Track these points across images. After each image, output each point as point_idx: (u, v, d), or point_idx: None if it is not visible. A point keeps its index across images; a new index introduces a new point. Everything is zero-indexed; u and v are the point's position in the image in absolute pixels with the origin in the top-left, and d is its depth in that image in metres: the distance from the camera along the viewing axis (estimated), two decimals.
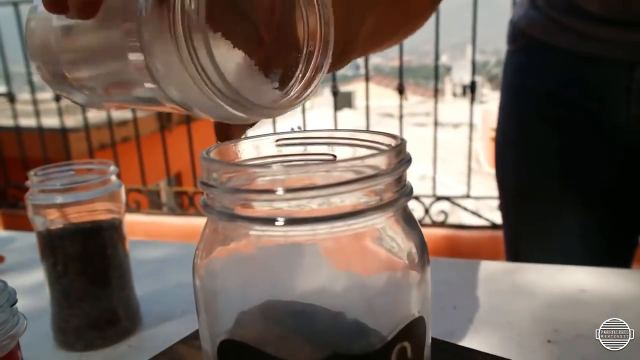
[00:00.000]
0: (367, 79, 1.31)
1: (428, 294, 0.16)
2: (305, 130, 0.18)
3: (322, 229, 0.14)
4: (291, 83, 0.17)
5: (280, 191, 0.13)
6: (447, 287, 0.33)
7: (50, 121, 1.56)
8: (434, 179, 1.23)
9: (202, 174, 0.15)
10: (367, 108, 1.24)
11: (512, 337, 0.27)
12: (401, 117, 1.20)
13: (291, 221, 0.13)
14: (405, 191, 0.15)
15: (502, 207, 0.49)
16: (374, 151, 0.16)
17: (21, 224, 1.25)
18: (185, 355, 0.25)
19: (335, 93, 1.26)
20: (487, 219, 1.16)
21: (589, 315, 0.28)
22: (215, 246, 0.16)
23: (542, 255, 0.41)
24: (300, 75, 0.17)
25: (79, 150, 1.55)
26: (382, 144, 0.17)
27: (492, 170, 0.49)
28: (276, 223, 0.13)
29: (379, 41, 0.26)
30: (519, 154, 0.45)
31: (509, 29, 0.46)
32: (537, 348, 0.26)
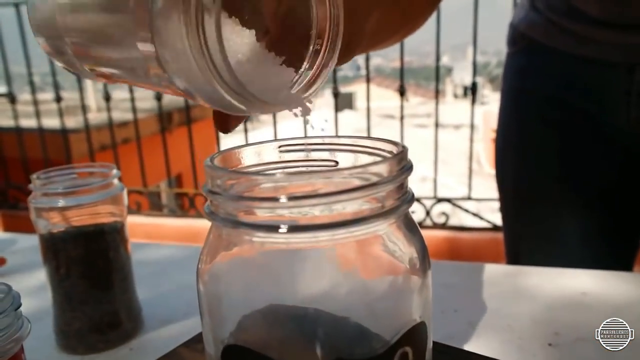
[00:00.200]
0: (368, 80, 1.31)
1: (429, 299, 0.16)
2: (307, 137, 0.18)
3: (324, 235, 0.14)
4: (295, 79, 0.17)
5: (283, 199, 0.13)
6: (448, 290, 0.33)
7: (51, 122, 1.56)
8: (435, 181, 1.23)
9: (206, 180, 0.16)
10: (368, 109, 1.24)
11: (513, 340, 0.27)
12: (402, 118, 1.20)
13: (294, 228, 0.14)
14: (406, 198, 0.15)
15: (503, 209, 0.49)
16: (376, 158, 0.17)
17: (22, 225, 1.25)
18: (188, 358, 0.25)
19: (336, 94, 1.27)
20: (488, 221, 1.16)
21: (590, 319, 0.28)
22: (219, 251, 0.16)
23: (542, 257, 0.41)
24: (305, 71, 0.17)
25: (79, 151, 1.55)
26: (384, 150, 0.17)
27: (493, 172, 0.49)
28: (279, 230, 0.14)
29: (381, 39, 0.26)
30: (519, 157, 0.45)
31: (509, 32, 0.46)
32: (538, 351, 0.26)
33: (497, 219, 1.12)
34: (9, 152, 1.53)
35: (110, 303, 0.29)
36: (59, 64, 0.19)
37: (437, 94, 1.25)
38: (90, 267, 0.28)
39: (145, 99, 1.80)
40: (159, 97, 1.40)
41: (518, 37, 0.44)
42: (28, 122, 1.55)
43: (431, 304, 0.17)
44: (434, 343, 0.18)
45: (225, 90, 0.14)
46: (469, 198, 1.22)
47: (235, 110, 0.15)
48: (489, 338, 0.28)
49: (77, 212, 0.28)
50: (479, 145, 5.27)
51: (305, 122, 0.17)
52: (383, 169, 0.15)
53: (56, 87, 1.48)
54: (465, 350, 0.25)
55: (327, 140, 0.18)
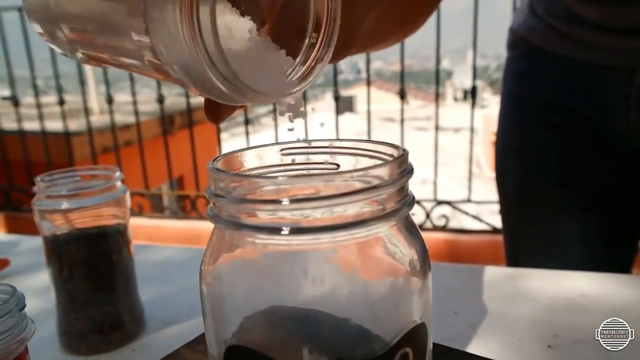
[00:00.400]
0: (368, 83, 1.32)
1: (429, 300, 0.17)
2: (308, 140, 0.18)
3: (325, 238, 0.14)
4: (289, 72, 0.17)
5: (285, 201, 0.14)
6: (448, 292, 0.33)
7: (54, 125, 1.57)
8: (435, 183, 1.23)
9: (209, 183, 0.16)
10: (369, 112, 1.25)
11: (513, 342, 0.27)
12: (402, 121, 1.21)
13: (296, 230, 0.14)
14: (407, 201, 0.16)
15: (503, 212, 0.49)
16: (377, 161, 0.17)
17: (25, 227, 1.25)
18: (190, 358, 0.26)
19: (336, 98, 1.27)
20: (487, 223, 1.16)
21: (589, 320, 0.28)
22: (222, 253, 0.16)
23: (542, 260, 0.41)
24: (299, 64, 0.17)
25: (82, 153, 1.56)
26: (384, 153, 0.17)
27: (493, 175, 0.49)
28: (281, 232, 0.14)
29: (378, 39, 0.26)
30: (519, 160, 0.45)
31: (508, 36, 0.46)
32: (537, 353, 0.26)
33: (497, 222, 1.12)
34: (13, 155, 1.54)
35: (113, 304, 0.29)
36: (53, 48, 0.18)
37: (437, 97, 1.26)
38: (93, 269, 0.29)
39: (147, 102, 1.81)
40: (161, 101, 1.40)
41: (518, 42, 0.44)
42: (31, 125, 1.56)
43: (431, 306, 0.17)
44: (434, 344, 0.18)
45: (217, 78, 0.14)
46: (469, 201, 1.22)
47: (227, 100, 0.15)
48: (489, 340, 0.28)
49: (81, 215, 0.28)
50: (478, 148, 5.27)
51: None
52: (384, 172, 0.15)
53: (59, 90, 1.49)
54: (465, 352, 0.25)
55: (328, 144, 0.18)
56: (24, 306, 0.20)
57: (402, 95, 1.21)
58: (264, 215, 0.14)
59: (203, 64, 0.13)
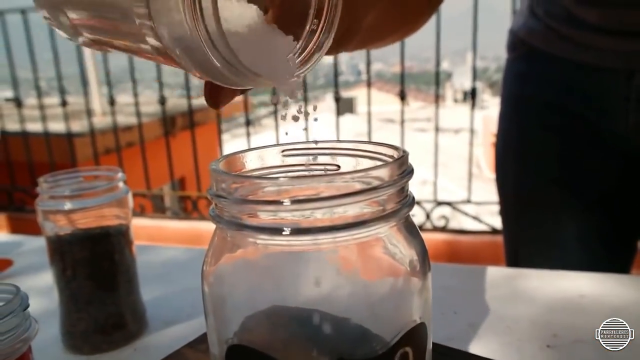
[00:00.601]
0: (369, 84, 1.32)
1: (429, 300, 0.17)
2: (309, 141, 0.18)
3: (326, 238, 0.14)
4: (289, 57, 0.17)
5: (286, 202, 0.14)
6: (447, 292, 0.34)
7: (57, 126, 1.58)
8: (435, 184, 1.23)
9: (211, 184, 0.16)
10: (369, 114, 1.25)
11: (512, 342, 0.28)
12: (402, 122, 1.21)
13: (297, 231, 0.14)
14: (407, 201, 0.16)
15: (503, 213, 0.49)
16: (377, 162, 0.17)
17: (28, 227, 1.26)
18: (192, 358, 0.26)
19: (337, 99, 1.28)
20: (487, 224, 1.17)
21: (588, 321, 0.28)
22: (224, 253, 0.16)
23: (541, 261, 0.41)
24: (299, 51, 0.17)
25: (84, 154, 1.57)
26: (384, 155, 0.17)
27: (493, 176, 0.49)
28: (282, 232, 0.14)
29: (378, 36, 0.26)
30: (519, 161, 0.45)
31: (508, 38, 0.46)
32: (537, 353, 0.26)
33: (496, 222, 1.12)
34: (16, 156, 1.54)
35: (115, 304, 0.29)
36: (58, 32, 0.19)
37: (437, 98, 1.26)
38: (96, 269, 0.29)
39: (149, 103, 1.82)
40: (162, 102, 1.41)
41: (518, 43, 0.44)
42: (34, 126, 1.57)
43: (431, 306, 0.17)
44: (434, 344, 0.18)
45: (217, 59, 0.14)
46: (469, 201, 1.22)
47: (228, 82, 0.15)
48: (489, 340, 0.28)
49: (83, 215, 0.28)
50: (478, 149, 5.26)
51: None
52: (384, 173, 0.15)
53: (62, 91, 1.50)
54: (464, 352, 0.25)
55: (328, 145, 0.18)
56: (28, 306, 0.20)
57: (403, 96, 1.21)
58: (265, 216, 0.15)
59: (204, 46, 0.14)
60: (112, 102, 1.46)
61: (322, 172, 0.18)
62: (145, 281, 0.32)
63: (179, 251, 0.46)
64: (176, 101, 1.95)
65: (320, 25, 0.17)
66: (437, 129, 1.23)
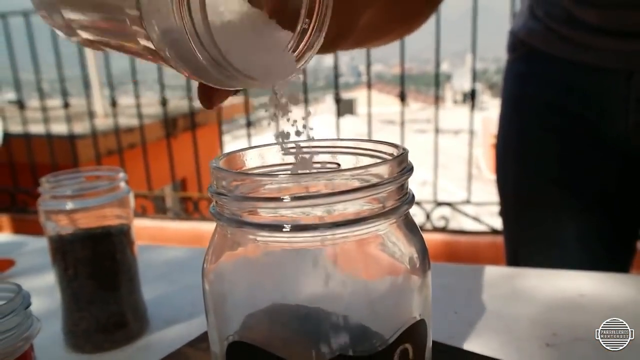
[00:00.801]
0: (369, 86, 1.32)
1: (429, 297, 0.17)
2: (310, 140, 0.18)
3: (326, 235, 0.14)
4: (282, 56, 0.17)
5: (286, 199, 0.14)
6: (448, 291, 0.34)
7: (59, 128, 1.59)
8: (434, 185, 1.23)
9: (211, 182, 0.16)
10: (369, 115, 1.26)
11: (512, 340, 0.28)
12: (402, 123, 1.21)
13: (297, 228, 0.14)
14: (407, 199, 0.16)
15: (503, 213, 0.49)
16: (377, 160, 0.17)
17: (30, 228, 1.26)
18: (192, 357, 0.26)
19: (337, 100, 1.28)
20: (487, 225, 1.17)
21: (588, 319, 0.28)
22: (224, 251, 0.16)
23: (541, 260, 0.41)
24: (290, 50, 0.17)
25: (86, 156, 1.57)
26: (384, 153, 0.17)
27: (493, 176, 0.49)
28: (282, 229, 0.14)
29: (375, 35, 0.26)
30: (519, 162, 0.46)
31: (508, 39, 0.46)
32: (536, 351, 0.27)
33: (496, 223, 1.12)
34: (18, 157, 1.55)
35: (117, 303, 0.30)
36: (54, 30, 0.19)
37: (437, 100, 1.27)
38: (98, 269, 0.29)
39: (150, 105, 1.83)
40: (164, 103, 1.42)
41: (518, 44, 0.45)
42: (36, 128, 1.58)
43: (431, 303, 0.17)
44: (434, 342, 0.18)
45: (206, 61, 0.14)
46: (468, 202, 1.22)
47: (219, 84, 0.15)
48: (488, 338, 0.28)
49: (85, 215, 0.28)
50: (478, 150, 5.26)
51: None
52: (384, 170, 0.15)
53: (64, 93, 1.51)
54: (464, 350, 0.25)
55: (329, 143, 0.18)
56: (29, 304, 0.20)
57: (403, 97, 1.21)
58: (265, 213, 0.15)
59: (192, 45, 0.14)
60: (113, 103, 1.46)
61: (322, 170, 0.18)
62: (147, 280, 0.32)
63: (180, 251, 0.46)
64: (177, 103, 1.95)
65: (312, 24, 0.17)
66: (437, 130, 1.23)
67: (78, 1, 0.17)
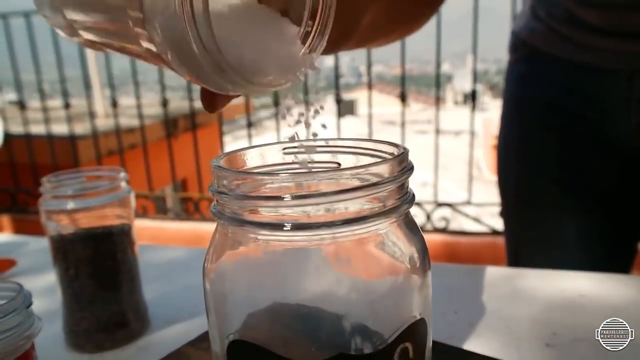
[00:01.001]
0: (369, 86, 1.32)
1: (429, 296, 0.17)
2: (311, 139, 0.18)
3: (327, 234, 0.14)
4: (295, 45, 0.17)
5: (287, 197, 0.14)
6: (448, 292, 0.34)
7: (60, 128, 1.59)
8: (435, 186, 1.23)
9: (212, 181, 0.16)
10: (370, 116, 1.26)
11: (512, 341, 0.28)
12: (403, 124, 1.21)
13: (297, 226, 0.14)
14: (407, 198, 0.16)
15: (504, 214, 0.49)
16: (377, 159, 0.17)
17: (31, 228, 1.26)
18: (193, 356, 0.26)
19: (338, 101, 1.28)
20: (487, 225, 1.17)
21: (588, 320, 0.28)
22: (225, 250, 0.16)
23: (542, 261, 0.41)
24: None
25: (87, 156, 1.58)
26: (385, 152, 0.17)
27: (493, 177, 0.49)
28: (283, 228, 0.14)
29: (377, 35, 0.26)
30: (520, 162, 0.46)
31: (510, 39, 0.46)
32: (536, 351, 0.27)
33: (496, 224, 1.12)
34: (19, 158, 1.55)
35: (118, 303, 0.30)
36: (56, 31, 0.19)
37: (438, 100, 1.27)
38: (99, 268, 0.29)
39: (151, 105, 1.83)
40: (165, 104, 1.42)
41: (519, 45, 0.45)
42: (37, 129, 1.58)
43: (431, 302, 0.17)
44: (434, 342, 0.18)
45: (209, 67, 0.14)
46: (469, 203, 1.22)
47: (218, 88, 0.16)
48: (489, 338, 0.28)
49: (86, 215, 0.28)
50: (478, 151, 5.27)
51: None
52: (384, 169, 0.15)
53: (65, 94, 1.51)
54: (465, 350, 0.25)
55: (329, 143, 0.18)
56: (31, 303, 0.20)
57: (403, 98, 1.22)
58: (266, 212, 0.15)
59: (195, 52, 0.14)
60: (114, 104, 1.47)
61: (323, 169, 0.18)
62: (147, 280, 0.32)
63: (181, 251, 0.46)
64: (178, 103, 1.96)
65: (314, 27, 0.17)
66: (437, 131, 1.23)
67: (81, 2, 0.17)
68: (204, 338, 0.27)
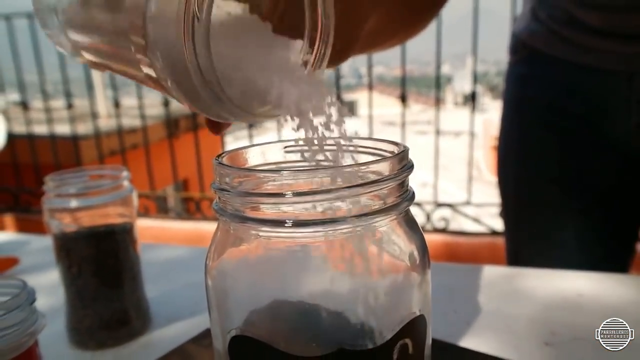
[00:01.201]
0: (370, 87, 1.33)
1: (428, 293, 0.17)
2: (310, 138, 0.19)
3: (327, 231, 0.15)
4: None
5: (288, 194, 0.14)
6: (448, 291, 0.34)
7: (62, 128, 1.59)
8: (435, 186, 1.23)
9: (215, 178, 0.16)
10: (370, 116, 1.26)
11: (511, 340, 0.28)
12: (403, 125, 1.21)
13: (298, 223, 0.14)
14: (407, 196, 0.16)
15: (504, 214, 0.49)
16: (378, 158, 0.17)
17: (33, 227, 1.27)
18: (194, 353, 0.26)
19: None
20: (487, 226, 1.17)
21: (586, 319, 0.29)
22: (227, 247, 0.17)
23: (541, 261, 0.41)
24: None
25: (89, 156, 1.58)
26: (385, 150, 0.17)
27: (493, 178, 0.49)
28: (284, 225, 0.14)
29: (379, 40, 0.26)
30: (520, 163, 0.46)
31: (510, 41, 0.46)
32: (535, 350, 0.27)
33: (496, 224, 1.12)
34: (22, 158, 1.56)
35: (120, 301, 0.30)
36: (59, 50, 0.19)
37: (438, 101, 1.27)
38: (101, 266, 0.29)
39: (153, 105, 1.84)
40: (166, 104, 1.42)
41: (520, 46, 0.45)
42: (40, 129, 1.58)
43: (430, 299, 0.17)
44: (434, 340, 0.18)
45: (206, 94, 0.14)
46: (469, 203, 1.22)
47: (218, 117, 0.16)
48: (488, 337, 0.28)
49: (89, 213, 0.29)
50: (478, 152, 5.27)
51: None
52: (385, 167, 0.15)
53: (67, 94, 1.52)
54: (464, 348, 0.26)
55: (330, 141, 0.19)
56: (34, 300, 0.21)
57: (404, 99, 1.22)
58: (267, 209, 0.15)
59: (195, 82, 0.14)
60: (116, 104, 1.47)
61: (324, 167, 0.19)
62: (149, 279, 0.32)
63: (182, 250, 0.46)
64: (179, 104, 1.96)
65: (314, 55, 0.17)
66: (437, 132, 1.23)
67: (85, 24, 0.17)
68: (205, 335, 0.27)
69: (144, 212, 1.38)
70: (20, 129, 1.61)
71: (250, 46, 0.17)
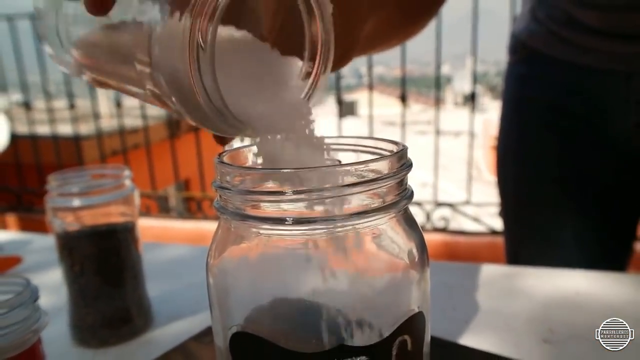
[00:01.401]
0: (370, 88, 1.33)
1: (427, 291, 0.17)
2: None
3: (327, 228, 0.15)
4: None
5: (288, 192, 0.14)
6: (447, 289, 0.34)
7: (65, 128, 1.60)
8: (435, 186, 1.23)
9: (216, 176, 0.17)
10: (371, 116, 1.26)
11: (509, 337, 0.28)
12: (403, 125, 1.22)
13: (298, 221, 0.15)
14: (406, 194, 0.16)
15: (503, 214, 0.50)
16: (377, 156, 0.18)
17: (36, 227, 1.27)
18: (196, 350, 0.26)
19: (339, 102, 1.29)
20: (486, 225, 1.17)
21: (584, 317, 0.29)
22: (228, 245, 0.17)
23: (540, 260, 0.41)
24: (305, 97, 0.18)
25: (91, 156, 1.58)
26: (384, 149, 0.18)
27: (492, 178, 0.50)
28: (285, 223, 0.15)
29: (379, 42, 0.26)
30: (519, 162, 0.46)
31: (510, 41, 0.47)
32: (533, 347, 0.27)
33: (495, 224, 1.12)
34: (24, 158, 1.56)
35: (122, 299, 0.30)
36: (62, 69, 0.19)
37: (438, 101, 1.27)
38: (103, 265, 0.29)
39: (154, 106, 1.84)
40: None
41: (519, 47, 0.45)
42: (42, 129, 1.59)
43: (429, 296, 0.17)
44: (433, 338, 0.19)
45: (215, 116, 0.15)
46: (468, 203, 1.22)
47: (223, 133, 0.16)
48: (487, 335, 0.28)
49: (91, 212, 0.29)
50: (478, 152, 5.25)
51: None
52: (384, 165, 0.16)
53: (70, 95, 1.52)
54: (462, 345, 0.26)
55: (330, 141, 0.19)
56: (38, 297, 0.21)
57: (404, 99, 1.22)
58: (268, 207, 0.15)
59: (202, 103, 0.14)
60: (118, 105, 1.48)
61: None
62: (151, 277, 0.33)
63: (184, 249, 0.46)
64: None
65: (315, 69, 0.18)
66: (437, 132, 1.23)
67: (89, 43, 0.17)
68: (206, 333, 0.27)
69: (146, 212, 1.38)
70: (22, 129, 1.62)
71: (252, 68, 0.17)
